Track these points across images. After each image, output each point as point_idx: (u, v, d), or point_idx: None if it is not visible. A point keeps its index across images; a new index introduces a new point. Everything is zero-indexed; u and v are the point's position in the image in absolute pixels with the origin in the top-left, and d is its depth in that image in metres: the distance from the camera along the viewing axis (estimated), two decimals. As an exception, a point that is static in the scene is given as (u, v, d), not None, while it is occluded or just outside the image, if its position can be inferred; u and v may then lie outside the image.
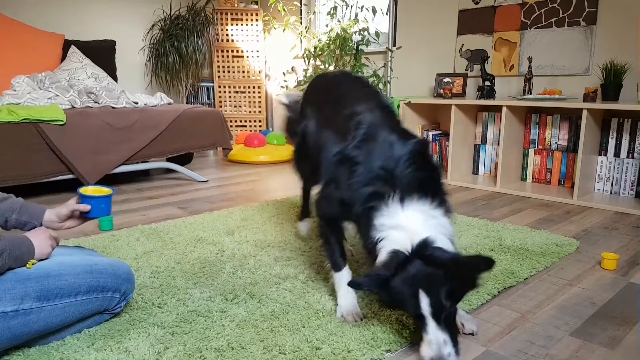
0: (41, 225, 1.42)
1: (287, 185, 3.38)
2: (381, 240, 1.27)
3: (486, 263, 1.14)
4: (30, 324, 1.18)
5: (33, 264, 1.21)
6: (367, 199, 1.31)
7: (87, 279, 1.27)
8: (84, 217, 1.47)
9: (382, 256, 1.25)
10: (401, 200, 1.28)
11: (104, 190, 1.48)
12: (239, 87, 5.16)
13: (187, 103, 5.11)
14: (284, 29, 4.34)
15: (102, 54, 4.16)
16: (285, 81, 4.64)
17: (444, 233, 1.26)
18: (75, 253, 1.44)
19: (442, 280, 1.16)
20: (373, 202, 1.30)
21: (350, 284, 1.27)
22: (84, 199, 1.44)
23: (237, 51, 5.09)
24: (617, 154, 2.95)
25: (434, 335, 1.16)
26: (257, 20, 5.06)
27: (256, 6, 5.16)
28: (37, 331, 1.21)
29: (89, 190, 1.46)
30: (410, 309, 1.20)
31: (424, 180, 1.33)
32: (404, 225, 1.25)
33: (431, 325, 1.17)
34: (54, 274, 1.22)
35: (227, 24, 5.03)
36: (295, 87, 4.49)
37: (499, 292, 1.64)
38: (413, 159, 1.33)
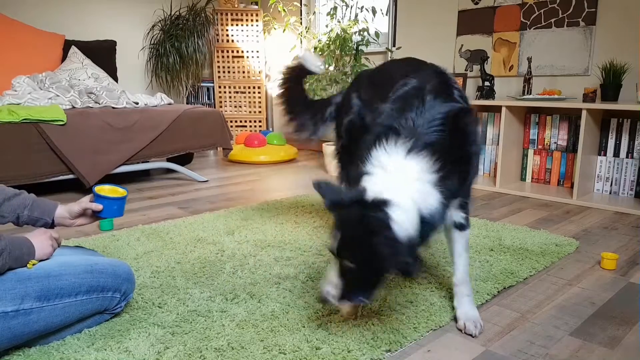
0: (53, 221, 1.42)
1: (287, 185, 3.38)
2: (367, 175, 1.26)
3: (406, 271, 1.11)
4: (30, 324, 1.18)
5: (33, 264, 1.21)
6: (382, 131, 1.29)
7: (88, 279, 1.28)
8: (96, 216, 1.46)
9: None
10: (409, 150, 1.24)
11: (119, 191, 1.48)
12: (239, 88, 5.16)
13: (187, 103, 5.12)
14: (284, 30, 4.34)
15: (102, 54, 4.16)
16: (285, 81, 4.64)
17: (420, 204, 1.20)
18: (75, 253, 1.44)
19: (357, 241, 1.17)
20: (385, 134, 1.28)
21: (314, 181, 1.25)
22: (97, 198, 1.44)
23: (237, 51, 5.09)
24: (616, 154, 2.95)
25: (329, 275, 1.24)
26: (257, 20, 5.06)
27: (256, 7, 5.16)
28: (38, 331, 1.21)
29: (104, 189, 1.46)
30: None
31: (441, 144, 1.26)
32: (393, 171, 1.23)
33: (333, 267, 1.24)
34: (54, 274, 1.22)
35: (227, 25, 5.04)
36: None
37: (498, 292, 1.64)
38: (443, 121, 1.28)
